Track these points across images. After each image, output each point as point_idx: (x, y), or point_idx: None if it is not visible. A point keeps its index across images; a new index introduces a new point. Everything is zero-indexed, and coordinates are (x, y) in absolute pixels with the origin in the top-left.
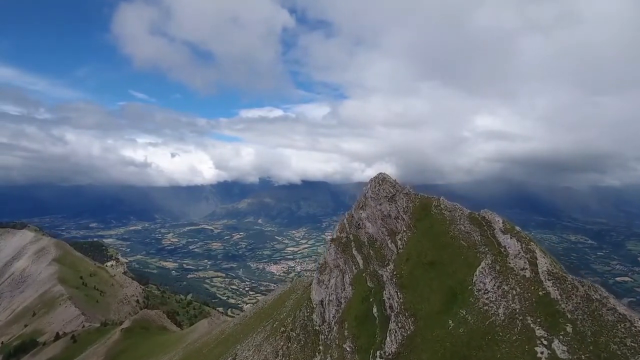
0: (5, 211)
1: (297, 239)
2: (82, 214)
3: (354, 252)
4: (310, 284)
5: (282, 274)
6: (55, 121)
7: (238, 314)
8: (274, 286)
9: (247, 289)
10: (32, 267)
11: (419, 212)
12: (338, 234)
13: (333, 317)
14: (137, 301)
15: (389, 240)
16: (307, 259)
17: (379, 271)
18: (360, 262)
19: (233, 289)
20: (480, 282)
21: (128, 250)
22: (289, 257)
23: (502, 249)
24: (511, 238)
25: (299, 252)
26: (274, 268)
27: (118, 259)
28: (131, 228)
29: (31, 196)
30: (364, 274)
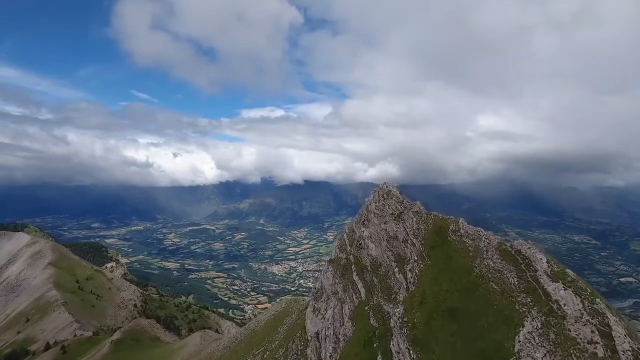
0: (7, 211)
1: (299, 239)
2: (84, 214)
3: (355, 277)
4: (306, 308)
5: (283, 275)
6: (57, 121)
7: (243, 320)
8: (275, 287)
9: (248, 289)
10: (28, 271)
11: (432, 236)
12: (337, 253)
13: (330, 356)
14: (135, 305)
15: (397, 269)
16: (309, 259)
17: (385, 306)
18: (362, 290)
19: (234, 289)
20: (528, 355)
21: (130, 250)
22: (290, 257)
23: (554, 305)
24: (565, 289)
25: (300, 252)
26: (275, 268)
27: (118, 260)
28: (133, 228)
29: (33, 196)
30: (366, 307)
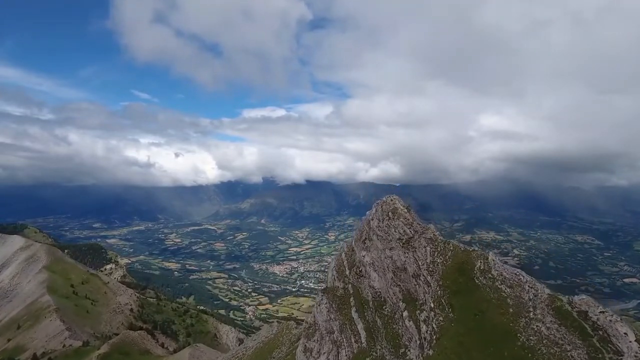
0: (9, 211)
1: (301, 239)
2: (85, 214)
3: (354, 314)
4: (298, 340)
5: (285, 275)
6: (58, 122)
7: (244, 321)
8: (276, 287)
9: (249, 290)
10: (21, 276)
11: (453, 276)
12: (334, 279)
13: None
14: (131, 310)
15: (406, 312)
16: (310, 260)
17: None
18: (363, 334)
19: (235, 290)
20: None
21: (131, 250)
22: (292, 257)
23: None
24: None
25: (302, 252)
26: (277, 269)
27: (117, 261)
28: (134, 228)
29: (35, 196)
30: (368, 359)
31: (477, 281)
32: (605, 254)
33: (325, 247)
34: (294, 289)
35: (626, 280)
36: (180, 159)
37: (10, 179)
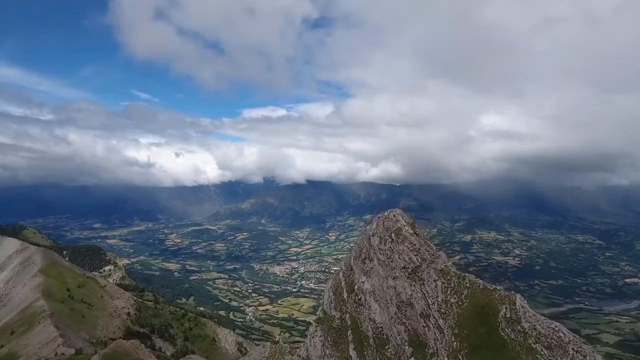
0: (9, 211)
1: (301, 240)
2: (86, 214)
3: (352, 352)
4: None
5: (285, 275)
6: (58, 122)
7: (244, 322)
8: (277, 288)
9: (249, 290)
10: (16, 280)
11: (472, 324)
12: (330, 304)
13: None
14: (128, 314)
15: (412, 359)
16: (310, 260)
17: None
18: None
19: (236, 291)
20: None
21: (131, 251)
22: (292, 258)
23: None
24: None
25: (302, 252)
26: (277, 269)
27: (116, 263)
28: (135, 228)
29: (36, 196)
30: None
31: (502, 334)
32: (606, 253)
33: (325, 247)
34: (294, 290)
35: (628, 280)
36: (180, 159)
37: (10, 179)
